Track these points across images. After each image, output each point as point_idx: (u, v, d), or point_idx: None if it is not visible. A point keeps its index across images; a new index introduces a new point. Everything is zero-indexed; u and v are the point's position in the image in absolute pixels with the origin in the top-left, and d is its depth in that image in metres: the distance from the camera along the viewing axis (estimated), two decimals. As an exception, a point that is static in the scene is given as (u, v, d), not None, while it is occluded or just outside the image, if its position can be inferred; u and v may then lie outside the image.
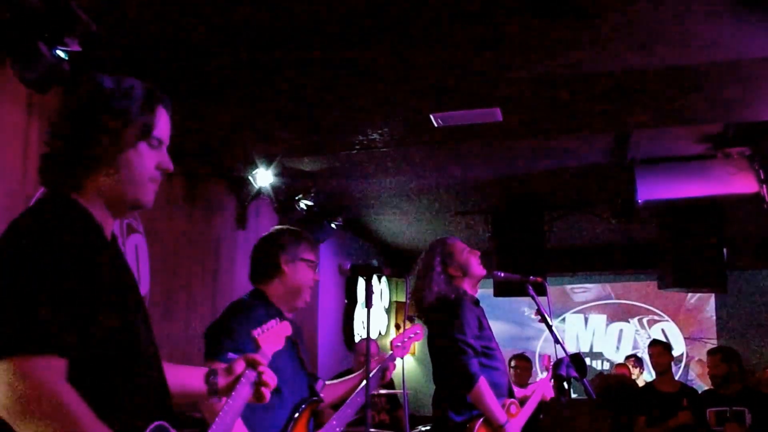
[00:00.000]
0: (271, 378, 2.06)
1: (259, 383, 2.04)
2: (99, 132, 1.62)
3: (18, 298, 1.42)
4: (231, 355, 2.56)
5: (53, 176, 1.64)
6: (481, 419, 3.45)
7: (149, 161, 1.68)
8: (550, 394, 3.89)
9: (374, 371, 3.09)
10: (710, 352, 5.86)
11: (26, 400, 1.37)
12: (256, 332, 2.34)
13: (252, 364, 2.07)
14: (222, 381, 2.03)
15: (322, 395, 2.97)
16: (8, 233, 1.53)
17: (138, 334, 1.62)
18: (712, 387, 5.75)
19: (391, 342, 3.21)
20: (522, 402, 3.74)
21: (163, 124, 1.72)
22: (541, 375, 4.12)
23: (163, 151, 1.73)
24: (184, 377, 2.02)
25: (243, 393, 2.04)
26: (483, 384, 3.44)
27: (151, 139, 1.68)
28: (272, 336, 2.38)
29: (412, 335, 3.28)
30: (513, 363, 7.26)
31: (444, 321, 3.58)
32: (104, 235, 1.65)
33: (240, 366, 2.06)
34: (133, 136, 1.65)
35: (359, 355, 6.02)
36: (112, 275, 1.59)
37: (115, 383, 1.53)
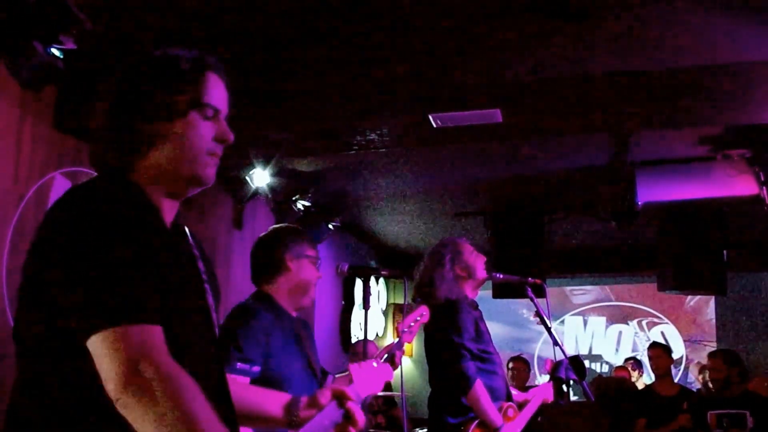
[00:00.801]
0: (358, 418, 1.87)
1: (342, 422, 1.85)
2: (144, 105, 1.49)
3: (102, 268, 1.30)
4: (240, 365, 2.50)
5: (104, 159, 1.53)
6: (476, 422, 3.45)
7: (204, 133, 1.54)
8: (551, 398, 3.86)
9: (383, 359, 3.03)
10: (711, 355, 5.82)
11: (148, 377, 1.23)
12: (353, 367, 2.18)
13: (339, 398, 1.90)
14: (304, 413, 1.91)
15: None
16: (69, 206, 1.41)
17: (190, 327, 1.49)
18: (712, 390, 5.70)
19: (397, 327, 3.13)
20: (521, 406, 3.71)
21: (216, 92, 1.57)
22: (540, 378, 4.10)
23: (221, 121, 1.57)
24: (263, 400, 1.93)
25: (323, 425, 1.85)
26: (479, 387, 3.43)
27: (203, 108, 1.53)
28: (371, 375, 2.21)
29: (418, 317, 3.22)
30: (511, 365, 7.24)
31: (441, 323, 3.57)
32: (162, 220, 1.52)
33: (325, 398, 1.91)
34: (183, 106, 1.51)
35: (354, 356, 5.96)
36: (169, 261, 1.45)
37: None
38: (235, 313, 2.77)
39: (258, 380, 2.55)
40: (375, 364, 2.27)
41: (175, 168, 1.51)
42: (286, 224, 3.07)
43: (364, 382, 2.18)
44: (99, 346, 1.26)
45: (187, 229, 1.65)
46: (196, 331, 1.51)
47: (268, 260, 2.88)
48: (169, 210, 1.56)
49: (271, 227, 3.04)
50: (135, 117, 1.49)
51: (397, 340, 3.07)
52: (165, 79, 1.51)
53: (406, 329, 3.11)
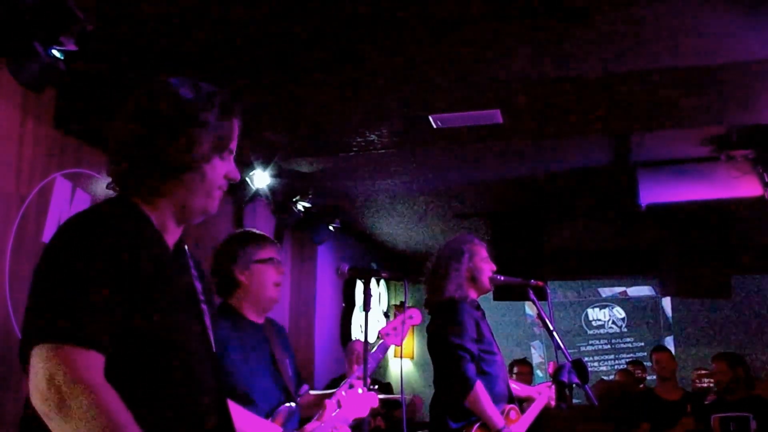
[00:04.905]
0: None
1: None
2: (178, 143, 1.58)
3: (65, 289, 1.40)
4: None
5: (125, 182, 1.61)
6: (478, 424, 3.42)
7: (220, 172, 1.66)
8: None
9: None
10: (716, 358, 5.79)
11: (63, 392, 1.32)
12: (340, 393, 2.33)
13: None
14: None
15: (300, 399, 2.86)
16: (65, 226, 1.51)
17: (183, 352, 1.55)
18: (715, 394, 5.67)
19: (379, 332, 3.08)
20: (522, 401, 3.70)
21: (235, 135, 1.71)
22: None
23: (231, 160, 1.70)
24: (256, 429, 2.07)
25: None
26: (480, 389, 3.42)
27: (224, 151, 1.66)
28: (357, 401, 2.37)
29: (407, 319, 3.15)
30: (516, 369, 7.21)
31: (441, 324, 3.56)
32: (164, 244, 1.62)
33: None
34: (210, 150, 1.62)
35: (351, 354, 5.93)
36: (162, 285, 1.54)
37: (154, 400, 1.47)
38: None
39: None
40: (360, 391, 2.35)
41: (192, 201, 1.63)
42: (239, 231, 3.01)
43: (351, 407, 2.25)
44: (33, 360, 1.37)
45: (187, 250, 1.74)
46: (190, 350, 1.57)
47: (220, 277, 2.86)
48: (173, 232, 1.66)
49: (226, 237, 2.98)
50: (168, 153, 1.57)
51: (380, 342, 3.02)
52: (202, 122, 1.59)
53: (390, 332, 3.07)
